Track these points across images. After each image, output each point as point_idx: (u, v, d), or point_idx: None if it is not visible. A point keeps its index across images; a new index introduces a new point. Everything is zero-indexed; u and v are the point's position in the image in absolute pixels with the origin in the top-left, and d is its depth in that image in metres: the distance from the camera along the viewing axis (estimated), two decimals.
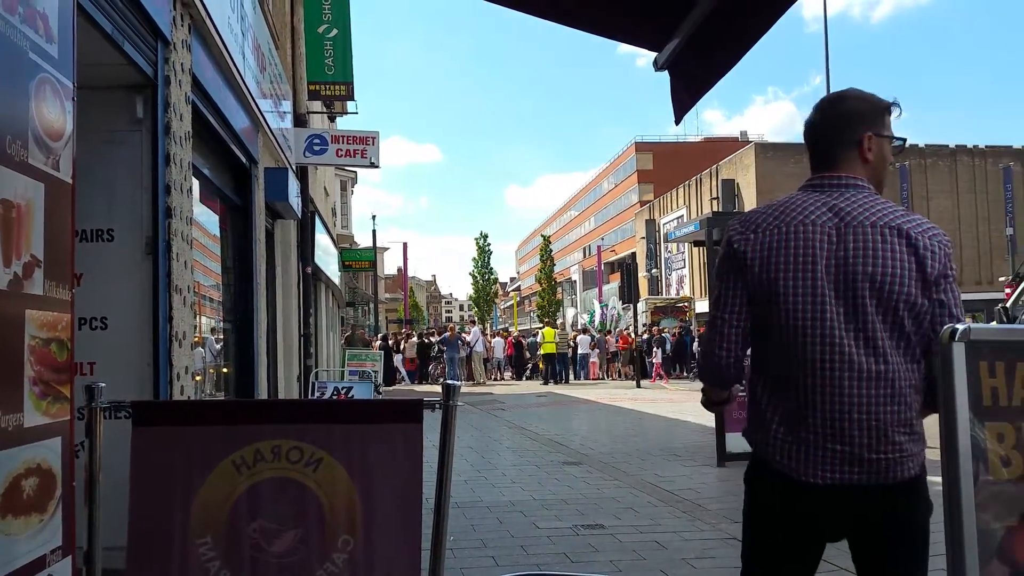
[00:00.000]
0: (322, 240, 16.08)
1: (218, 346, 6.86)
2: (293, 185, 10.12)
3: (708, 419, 9.73)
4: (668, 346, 25.71)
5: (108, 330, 4.10)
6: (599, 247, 59.20)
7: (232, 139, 6.67)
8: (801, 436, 1.93)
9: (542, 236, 68.98)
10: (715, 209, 37.87)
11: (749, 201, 38.12)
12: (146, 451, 2.03)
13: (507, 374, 28.25)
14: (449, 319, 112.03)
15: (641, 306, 27.18)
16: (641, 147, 66.00)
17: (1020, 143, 43.17)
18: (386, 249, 56.50)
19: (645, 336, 26.04)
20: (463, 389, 18.71)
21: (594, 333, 29.90)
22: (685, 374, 25.79)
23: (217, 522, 2.00)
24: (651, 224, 50.27)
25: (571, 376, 25.82)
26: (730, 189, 40.15)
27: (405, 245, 48.68)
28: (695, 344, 25.90)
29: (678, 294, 41.90)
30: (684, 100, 2.68)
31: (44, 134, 2.20)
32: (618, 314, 34.03)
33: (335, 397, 9.95)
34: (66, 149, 2.33)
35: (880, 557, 1.97)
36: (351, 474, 2.03)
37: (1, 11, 2.00)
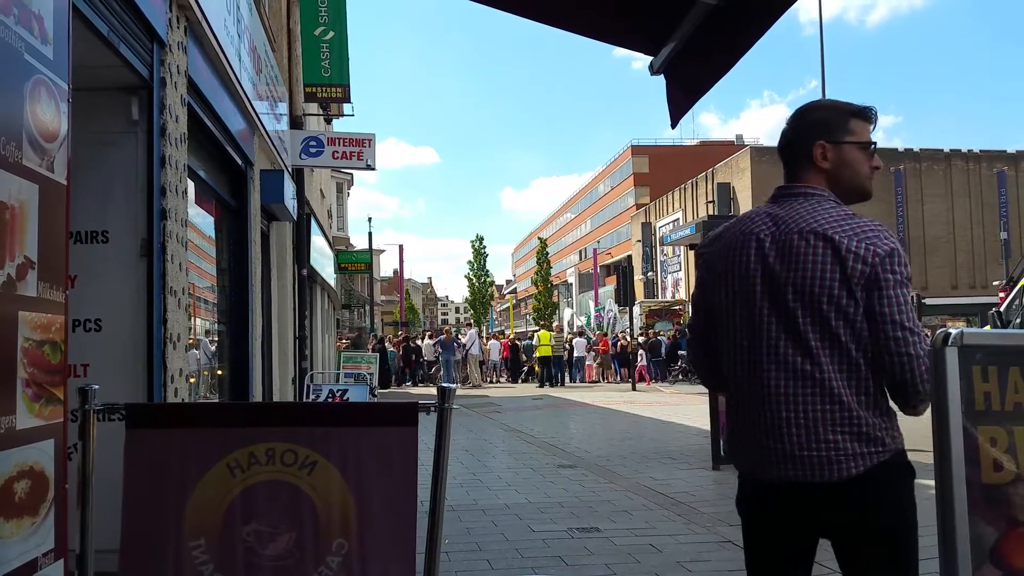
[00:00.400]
0: (318, 242, 16.06)
1: (213, 348, 6.84)
2: (289, 187, 10.11)
3: (704, 422, 9.74)
4: (663, 349, 25.72)
5: (102, 332, 4.09)
6: (595, 250, 59.25)
7: (228, 141, 6.67)
8: (748, 436, 2.05)
9: (539, 239, 69.05)
10: (711, 212, 37.92)
11: (744, 205, 38.18)
12: (140, 454, 2.02)
13: (503, 377, 28.24)
14: (445, 321, 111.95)
15: (636, 309, 27.20)
16: (637, 150, 66.07)
17: (1014, 147, 43.33)
18: (382, 251, 56.45)
19: (640, 339, 26.07)
20: (458, 392, 18.69)
21: (590, 335, 29.91)
22: (682, 377, 25.80)
23: (211, 525, 1.99)
24: (647, 227, 50.32)
25: (567, 379, 25.82)
26: (726, 193, 40.22)
27: (401, 247, 48.79)
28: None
29: (673, 297, 41.96)
30: (680, 104, 2.69)
31: (39, 135, 2.20)
32: (614, 316, 34.06)
33: (330, 400, 9.93)
34: (61, 151, 2.33)
35: (848, 559, 1.99)
36: (346, 477, 2.03)
37: None
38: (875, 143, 2.12)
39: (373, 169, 12.58)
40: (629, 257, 32.98)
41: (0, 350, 1.97)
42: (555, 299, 64.03)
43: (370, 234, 37.30)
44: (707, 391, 9.11)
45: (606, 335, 28.90)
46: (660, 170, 60.94)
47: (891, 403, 1.97)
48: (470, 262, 60.74)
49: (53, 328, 2.25)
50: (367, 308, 40.09)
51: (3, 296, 1.99)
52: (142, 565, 1.98)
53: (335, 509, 2.01)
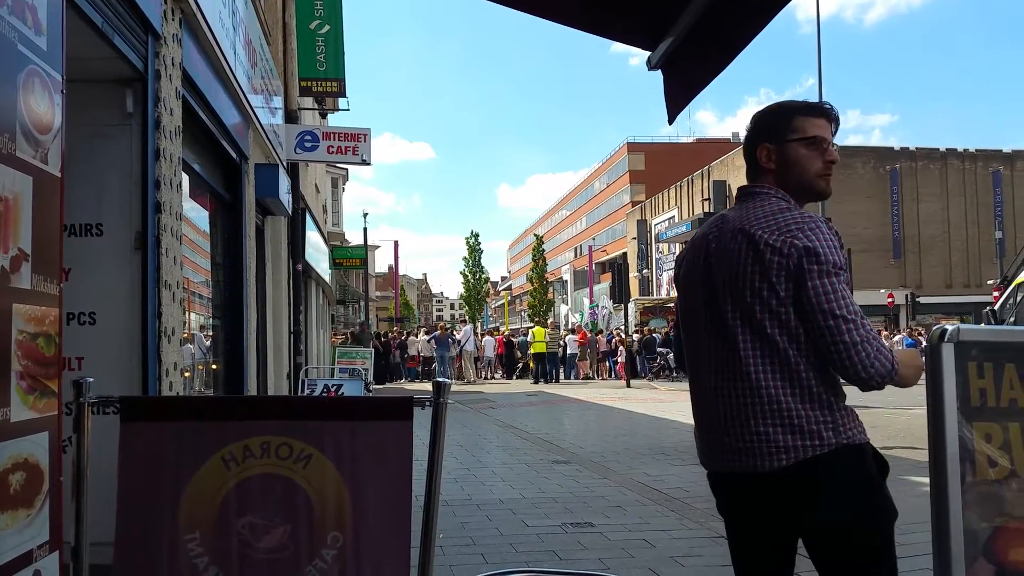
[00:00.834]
0: (313, 237, 16.03)
1: (208, 343, 6.83)
2: (284, 182, 10.09)
3: None
4: (657, 346, 25.81)
5: (96, 325, 4.08)
6: (590, 247, 59.26)
7: (222, 135, 6.65)
8: (700, 430, 2.18)
9: (535, 235, 68.98)
10: (706, 210, 37.99)
11: None
12: (134, 447, 2.02)
13: (497, 373, 28.26)
14: (440, 318, 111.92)
15: (631, 306, 27.25)
16: (633, 147, 66.08)
17: (1010, 147, 43.43)
18: (377, 247, 56.43)
19: (635, 336, 26.12)
20: (453, 388, 18.66)
21: (586, 332, 29.92)
22: (663, 374, 25.85)
23: (206, 518, 1.99)
24: (642, 224, 50.37)
25: (561, 375, 25.85)
26: (721, 190, 40.28)
27: (396, 243, 48.70)
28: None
29: (669, 295, 42.02)
30: (677, 99, 2.68)
31: (32, 127, 2.19)
32: (609, 314, 34.10)
33: (325, 395, 9.92)
34: (55, 142, 2.32)
35: (814, 560, 2.01)
36: (340, 471, 2.02)
37: None
38: (818, 136, 2.08)
39: (368, 164, 12.56)
40: (624, 254, 33.03)
41: None
42: (550, 296, 64.05)
43: (365, 230, 37.24)
44: None
45: (585, 329, 29.06)
46: (656, 167, 60.99)
47: (835, 397, 1.97)
48: (465, 258, 60.65)
49: (47, 321, 2.24)
50: (362, 304, 40.05)
51: None
52: (137, 558, 1.98)
53: (330, 502, 2.01)
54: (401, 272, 59.21)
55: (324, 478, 2.02)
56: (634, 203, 59.06)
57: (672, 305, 33.05)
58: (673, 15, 2.46)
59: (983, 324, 15.92)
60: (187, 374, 5.41)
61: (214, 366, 7.10)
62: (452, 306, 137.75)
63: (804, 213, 2.02)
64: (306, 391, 10.25)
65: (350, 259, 29.21)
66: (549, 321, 36.04)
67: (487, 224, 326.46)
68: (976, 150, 40.91)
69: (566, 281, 67.37)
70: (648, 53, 2.71)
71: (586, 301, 48.78)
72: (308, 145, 11.64)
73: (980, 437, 1.52)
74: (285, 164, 10.94)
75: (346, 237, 35.04)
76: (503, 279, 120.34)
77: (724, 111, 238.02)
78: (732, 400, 2.01)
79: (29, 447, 2.10)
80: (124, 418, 2.03)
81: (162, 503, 1.99)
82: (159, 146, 4.38)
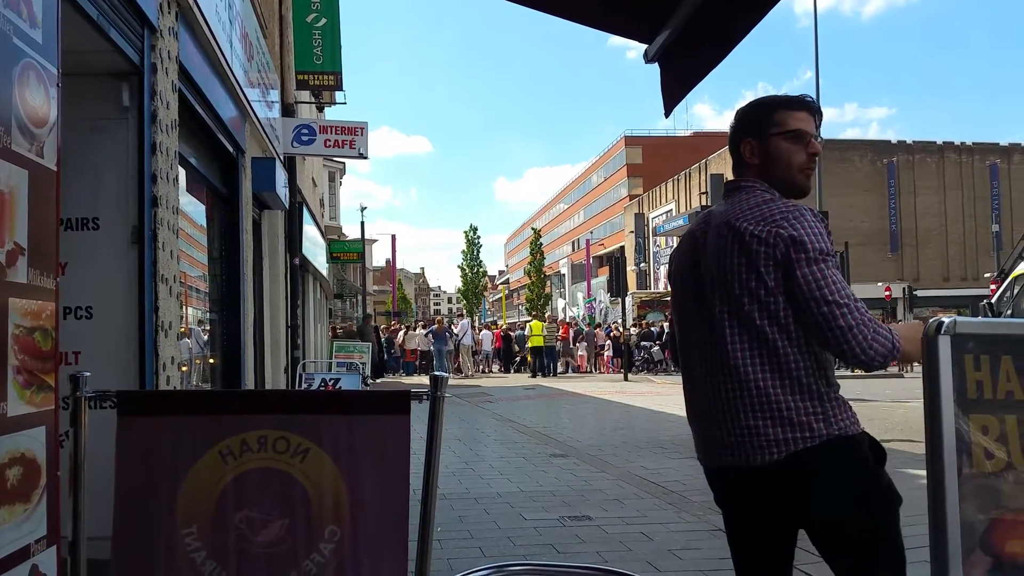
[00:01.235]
0: (310, 231, 16.01)
1: (205, 337, 6.82)
2: (280, 175, 10.07)
3: None
4: (653, 339, 25.88)
5: (93, 319, 4.07)
6: (588, 241, 59.27)
7: (219, 128, 6.63)
8: (694, 426, 2.18)
9: (532, 229, 68.92)
10: (704, 204, 37.97)
11: None
12: (131, 441, 2.02)
13: (495, 367, 28.28)
14: (438, 311, 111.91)
15: (628, 300, 27.29)
16: (631, 141, 66.00)
17: (1007, 140, 43.45)
18: (374, 241, 56.35)
19: (633, 330, 26.16)
20: (451, 381, 18.67)
21: (582, 326, 29.95)
22: (671, 368, 25.90)
23: (203, 512, 1.99)
24: (640, 218, 50.35)
25: (559, 369, 25.88)
26: (719, 184, 40.11)
27: (393, 237, 48.63)
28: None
29: (666, 288, 42.01)
30: (674, 92, 2.68)
31: (28, 120, 2.18)
32: (606, 308, 34.11)
33: (322, 388, 9.93)
34: (51, 136, 2.31)
35: (820, 552, 2.01)
36: (338, 464, 2.02)
37: None
38: (800, 129, 2.09)
39: (365, 158, 12.53)
40: (622, 248, 32.98)
41: None
42: (548, 290, 64.03)
43: (362, 223, 37.23)
44: None
45: (568, 324, 29.18)
46: (653, 161, 60.91)
47: (827, 387, 1.97)
48: (463, 252, 60.64)
49: (44, 315, 2.23)
50: (359, 298, 40.03)
51: None
52: (134, 552, 1.98)
53: (327, 496, 2.01)
54: (399, 266, 59.20)
55: (321, 472, 2.02)
56: (632, 197, 59.03)
57: (670, 299, 33.12)
58: (670, 7, 2.45)
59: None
60: (184, 368, 5.41)
61: (211, 360, 7.10)
62: (450, 300, 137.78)
63: (788, 203, 2.02)
64: (303, 385, 10.26)
65: (347, 253, 29.18)
66: (547, 315, 36.02)
67: (484, 218, 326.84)
68: (973, 143, 40.95)
69: (564, 275, 67.38)
70: (645, 46, 2.71)
71: (581, 295, 48.81)
72: (305, 139, 11.61)
73: (977, 429, 1.52)
74: (282, 158, 10.92)
75: (343, 231, 35.00)
76: (500, 273, 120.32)
77: (722, 104, 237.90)
78: (722, 394, 2.02)
79: (26, 442, 2.10)
80: (121, 412, 2.03)
81: (159, 497, 1.99)
82: (155, 140, 4.36)
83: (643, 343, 25.30)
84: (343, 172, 33.86)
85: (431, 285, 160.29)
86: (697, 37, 2.47)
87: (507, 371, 27.41)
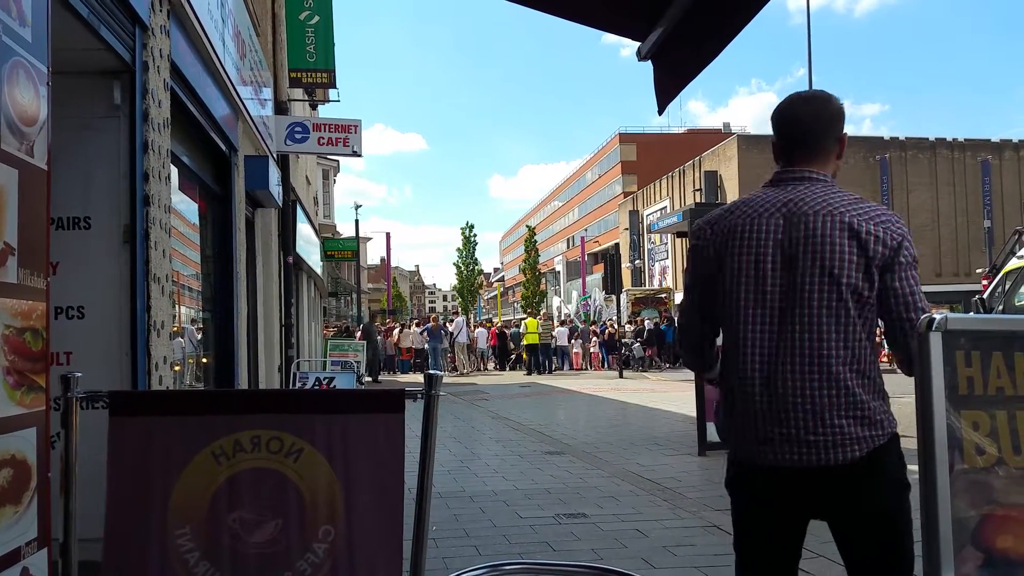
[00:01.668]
0: (304, 229, 15.97)
1: (198, 336, 6.80)
2: (274, 173, 10.04)
3: (690, 409, 9.79)
4: (645, 336, 25.95)
5: (85, 319, 4.05)
6: (583, 238, 59.25)
7: (211, 126, 6.60)
8: (748, 422, 2.03)
9: (527, 226, 68.90)
10: (698, 200, 38.02)
11: (732, 192, 38.28)
12: (123, 442, 2.01)
13: (490, 365, 28.28)
14: (433, 309, 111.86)
15: (623, 297, 27.34)
16: (625, 138, 66.01)
17: (998, 136, 43.60)
18: (369, 239, 56.24)
19: (628, 327, 26.21)
20: (446, 380, 18.66)
21: (577, 323, 29.97)
22: (666, 365, 25.97)
23: (196, 513, 1.98)
24: (634, 215, 50.38)
25: (554, 366, 25.90)
26: (713, 181, 40.31)
27: (388, 235, 48.58)
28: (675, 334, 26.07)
29: (661, 285, 42.08)
30: (668, 90, 2.68)
31: (18, 119, 2.17)
32: (602, 305, 34.13)
33: (317, 388, 9.91)
34: (41, 135, 2.29)
35: (850, 541, 2.01)
36: (332, 464, 2.02)
37: None
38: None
39: (359, 156, 12.50)
40: (617, 245, 33.04)
41: None
42: (543, 287, 64.02)
43: (357, 221, 37.14)
44: (693, 378, 9.17)
45: (576, 319, 29.32)
46: (648, 158, 60.93)
47: (883, 386, 2.00)
48: (459, 250, 60.54)
49: (34, 315, 2.22)
50: (354, 296, 39.98)
51: None
52: (127, 553, 1.97)
53: (321, 496, 2.01)
54: (393, 264, 59.10)
55: (316, 472, 2.01)
56: (626, 194, 59.06)
57: (663, 296, 33.12)
58: (663, 5, 2.45)
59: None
60: (177, 368, 5.39)
61: (204, 360, 7.08)
62: (445, 298, 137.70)
63: (877, 204, 2.07)
64: (298, 384, 10.24)
65: (342, 251, 29.11)
66: (542, 312, 36.01)
67: (479, 215, 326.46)
68: (965, 140, 41.08)
69: (559, 272, 67.37)
70: (638, 43, 2.70)
71: (575, 293, 48.83)
72: (298, 137, 11.58)
73: (968, 425, 1.53)
74: (275, 156, 10.89)
75: (337, 229, 34.93)
76: (496, 270, 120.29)
77: (715, 101, 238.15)
78: (808, 391, 1.93)
79: (16, 443, 2.09)
80: (113, 413, 2.02)
81: (152, 498, 1.98)
82: (147, 138, 4.34)
83: (624, 340, 25.42)
84: (337, 170, 33.79)
85: (426, 283, 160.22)
86: (690, 35, 2.47)
87: (502, 369, 27.40)
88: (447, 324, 26.66)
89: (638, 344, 25.05)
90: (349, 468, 2.02)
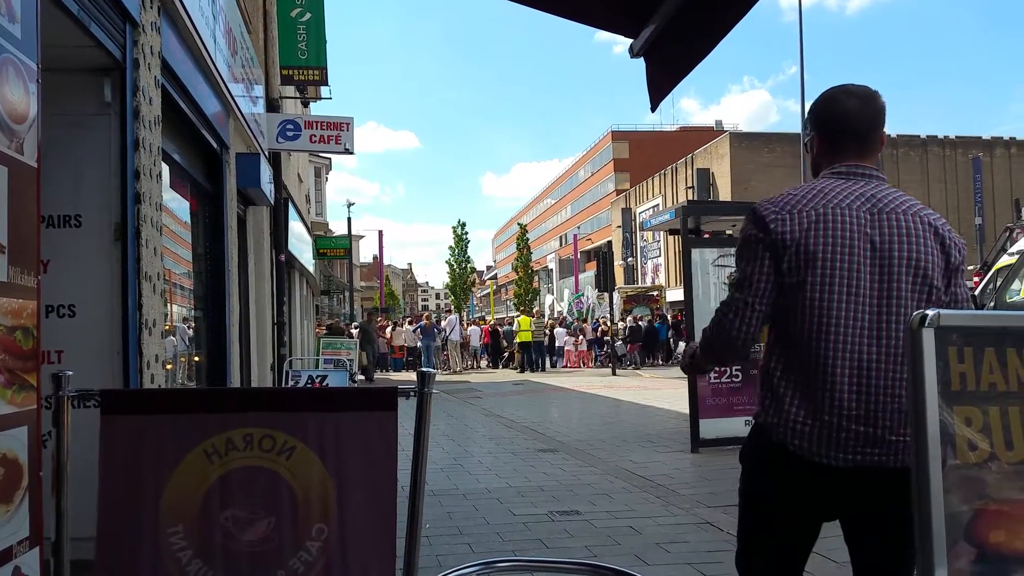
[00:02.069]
0: (296, 227, 15.94)
1: (190, 334, 6.78)
2: (265, 171, 10.01)
3: (682, 406, 9.81)
4: (628, 332, 26.01)
5: (76, 318, 4.03)
6: (575, 236, 59.31)
7: (203, 124, 6.58)
8: (824, 419, 1.95)
9: (519, 224, 68.81)
10: (690, 198, 38.09)
11: (724, 190, 38.36)
12: (115, 440, 2.00)
13: (483, 362, 28.29)
14: (426, 307, 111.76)
15: (616, 295, 27.38)
16: (617, 136, 66.08)
17: (989, 134, 43.84)
18: (361, 237, 56.17)
19: (620, 324, 26.24)
20: (439, 377, 18.67)
21: (569, 320, 29.99)
22: (658, 362, 26.02)
23: (188, 511, 1.97)
24: (627, 213, 50.45)
25: (547, 364, 25.92)
26: (705, 178, 40.40)
27: (381, 233, 48.39)
28: (670, 332, 26.17)
29: (653, 282, 42.15)
30: (660, 87, 2.67)
31: (7, 117, 2.15)
32: (594, 303, 34.16)
33: (309, 386, 9.89)
34: (31, 132, 2.28)
35: (880, 540, 1.99)
36: (325, 462, 2.01)
37: None
38: None
39: (351, 153, 12.48)
40: (609, 243, 33.04)
41: None
42: (535, 285, 64.03)
43: (349, 219, 37.09)
44: (685, 376, 9.18)
45: (569, 317, 29.46)
46: (640, 156, 61.03)
47: None
48: (451, 248, 60.38)
49: (25, 314, 2.21)
50: (346, 294, 39.91)
51: None
52: (119, 552, 1.96)
53: (314, 494, 2.00)
54: (386, 262, 58.98)
55: (308, 470, 2.01)
56: (619, 191, 59.11)
57: (655, 293, 33.18)
58: (655, 2, 2.45)
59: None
60: (169, 366, 5.38)
61: (196, 358, 7.06)
62: (438, 296, 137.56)
63: None
64: (290, 382, 10.22)
65: (334, 249, 29.06)
66: (534, 310, 36.02)
67: (472, 213, 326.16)
68: (956, 137, 41.30)
69: (551, 270, 67.40)
70: (631, 40, 2.70)
71: (567, 291, 48.85)
72: (290, 134, 11.54)
73: (961, 421, 1.53)
74: (267, 153, 10.85)
75: (330, 227, 34.86)
76: (488, 268, 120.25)
77: (708, 99, 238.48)
78: (897, 390, 1.90)
79: (7, 442, 2.08)
80: (105, 411, 2.01)
81: (144, 497, 1.97)
82: (138, 136, 4.32)
83: (606, 339, 25.54)
84: (329, 168, 33.71)
85: (419, 281, 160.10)
86: (682, 32, 2.46)
87: (495, 366, 27.41)
88: (439, 322, 26.65)
89: (620, 342, 25.14)
90: (342, 466, 2.02)
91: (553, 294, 59.09)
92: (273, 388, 9.20)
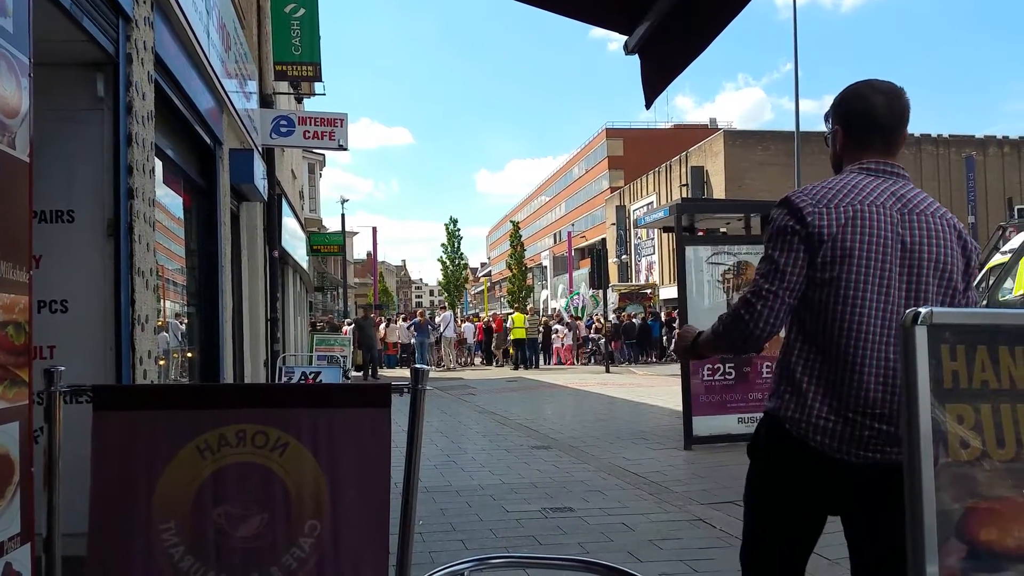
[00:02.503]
0: (289, 224, 15.89)
1: (183, 330, 6.76)
2: (259, 167, 9.98)
3: (676, 403, 9.83)
4: (613, 330, 26.07)
5: (69, 313, 4.01)
6: (569, 233, 59.29)
7: (196, 119, 6.55)
8: (848, 416, 1.95)
9: (512, 222, 68.85)
10: (684, 196, 38.13)
11: (718, 188, 38.39)
12: (107, 436, 1.99)
13: (476, 359, 28.29)
14: (419, 304, 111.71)
15: (610, 292, 27.44)
16: (612, 133, 66.08)
17: (982, 132, 44.03)
18: (355, 233, 55.98)
19: (614, 321, 26.27)
20: (433, 374, 18.67)
21: (565, 317, 30.02)
22: (652, 359, 26.07)
23: (181, 508, 1.97)
24: (621, 210, 50.45)
25: (541, 361, 25.94)
26: (699, 176, 40.42)
27: (375, 229, 48.43)
28: (663, 330, 26.23)
29: (647, 280, 42.20)
30: (655, 84, 2.68)
31: None
32: (592, 300, 34.22)
33: (303, 382, 9.87)
34: (23, 127, 2.26)
35: (882, 534, 1.99)
36: (318, 459, 2.01)
37: None
38: None
39: (345, 150, 12.45)
40: (603, 240, 33.09)
41: None
42: (529, 282, 64.02)
43: (343, 216, 36.98)
44: (679, 373, 9.20)
45: (565, 313, 29.54)
46: (634, 153, 61.04)
47: None
48: (444, 245, 60.34)
49: (17, 309, 2.20)
50: (340, 291, 39.85)
51: None
52: (111, 548, 1.96)
53: (307, 491, 2.00)
54: (380, 259, 58.95)
55: (301, 466, 2.00)
56: (613, 189, 59.13)
57: (648, 292, 33.25)
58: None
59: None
60: (162, 362, 5.36)
61: (189, 354, 7.04)
62: (432, 292, 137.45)
63: None
64: (284, 379, 10.20)
65: (328, 246, 29.02)
66: (528, 307, 36.00)
67: (466, 210, 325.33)
68: (950, 136, 41.41)
69: (545, 267, 67.38)
70: (625, 37, 2.70)
71: (561, 288, 48.88)
72: (284, 130, 11.50)
73: (953, 419, 1.53)
74: (260, 149, 10.82)
75: (324, 223, 34.79)
76: (482, 265, 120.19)
77: (702, 96, 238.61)
78: None
79: None
80: (97, 407, 2.00)
81: (136, 493, 1.96)
82: (131, 131, 4.30)
83: (591, 336, 25.58)
84: (323, 164, 33.65)
85: (413, 278, 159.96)
86: (677, 29, 2.46)
87: (489, 363, 27.41)
88: (434, 318, 26.64)
89: (604, 340, 25.21)
90: (335, 463, 2.01)
91: (548, 290, 59.11)
92: (266, 384, 9.18)
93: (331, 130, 11.93)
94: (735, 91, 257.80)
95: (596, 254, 24.03)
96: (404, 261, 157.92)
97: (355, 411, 2.05)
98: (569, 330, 27.52)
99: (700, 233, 10.16)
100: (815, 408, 1.99)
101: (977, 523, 1.55)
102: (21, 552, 2.14)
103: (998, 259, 12.45)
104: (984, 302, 13.65)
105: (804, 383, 2.01)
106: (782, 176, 33.40)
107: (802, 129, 24.11)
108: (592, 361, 25.42)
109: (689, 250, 8.62)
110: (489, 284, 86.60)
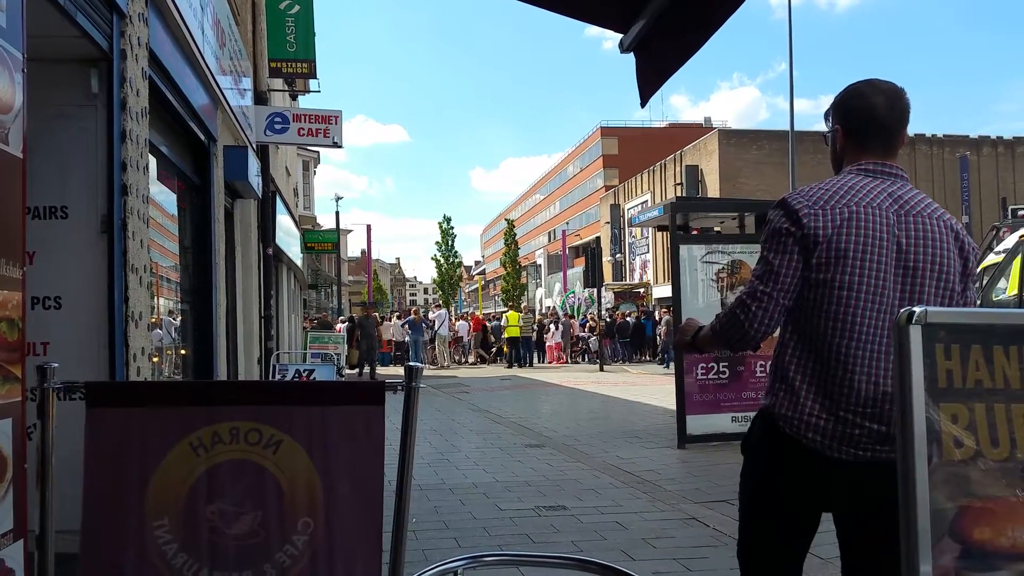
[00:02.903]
0: (284, 221, 15.86)
1: (176, 327, 6.74)
2: (253, 164, 9.95)
3: (669, 402, 9.85)
4: (605, 329, 26.12)
5: (62, 309, 4.00)
6: (564, 231, 59.31)
7: (190, 116, 6.53)
8: (839, 414, 1.97)
9: (506, 220, 68.81)
10: (679, 194, 38.18)
11: (712, 187, 38.46)
12: (101, 433, 1.98)
13: (470, 357, 28.29)
14: (414, 302, 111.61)
15: (604, 291, 27.47)
16: (606, 132, 66.08)
17: (976, 132, 44.19)
18: (349, 231, 55.99)
19: (607, 320, 26.31)
20: (427, 372, 18.66)
21: (560, 315, 30.05)
22: (646, 358, 26.10)
23: (174, 505, 1.96)
24: (616, 209, 50.49)
25: (535, 359, 25.95)
26: (694, 175, 40.48)
27: (369, 227, 48.21)
28: (657, 328, 26.28)
29: (641, 279, 42.24)
30: (650, 82, 2.67)
31: None
32: (588, 298, 34.27)
33: (297, 379, 9.86)
34: (16, 123, 2.25)
35: (875, 534, 2.00)
36: (311, 456, 2.01)
37: None
38: None
39: (340, 147, 12.42)
40: (598, 239, 33.04)
41: None
42: (523, 281, 64.03)
43: (337, 213, 36.90)
44: (672, 372, 9.22)
45: (560, 312, 29.58)
46: (629, 152, 61.05)
47: None
48: (438, 243, 60.31)
49: (10, 305, 2.19)
50: (334, 289, 39.78)
51: None
52: (104, 545, 1.95)
53: (301, 488, 2.00)
54: (374, 256, 58.75)
55: (295, 464, 2.00)
56: (607, 187, 59.15)
57: (641, 291, 33.29)
58: None
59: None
60: (155, 359, 5.35)
61: (183, 351, 7.02)
62: (426, 290, 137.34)
63: None
64: (277, 376, 10.18)
65: (322, 243, 28.96)
66: (523, 306, 36.00)
67: (461, 208, 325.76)
68: (944, 135, 41.54)
69: (540, 265, 67.39)
70: (621, 35, 2.70)
71: (556, 286, 48.91)
72: (278, 127, 11.47)
73: (947, 418, 1.54)
74: (255, 146, 10.79)
75: (318, 221, 34.72)
76: (477, 263, 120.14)
77: (697, 95, 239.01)
78: None
79: None
80: (90, 404, 1.99)
81: (129, 490, 1.96)
82: (125, 128, 4.29)
83: (581, 334, 25.60)
84: (318, 161, 33.57)
85: (407, 275, 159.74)
86: (672, 27, 2.46)
87: (483, 361, 27.42)
88: (428, 316, 26.62)
89: (594, 338, 25.25)
90: (328, 460, 2.01)
91: (543, 288, 59.13)
92: (260, 381, 9.16)
93: (326, 127, 11.90)
94: (730, 90, 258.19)
95: (590, 253, 24.06)
96: (398, 259, 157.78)
97: (349, 409, 2.05)
98: (557, 328, 27.54)
99: (694, 232, 10.17)
100: (807, 406, 2.01)
101: (971, 522, 1.56)
102: (14, 549, 2.13)
103: (992, 259, 12.49)
104: (978, 303, 13.69)
105: (797, 381, 2.04)
106: (777, 175, 33.49)
107: (797, 128, 24.18)
108: (584, 360, 25.46)
109: (683, 249, 8.63)
110: (483, 282, 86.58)
